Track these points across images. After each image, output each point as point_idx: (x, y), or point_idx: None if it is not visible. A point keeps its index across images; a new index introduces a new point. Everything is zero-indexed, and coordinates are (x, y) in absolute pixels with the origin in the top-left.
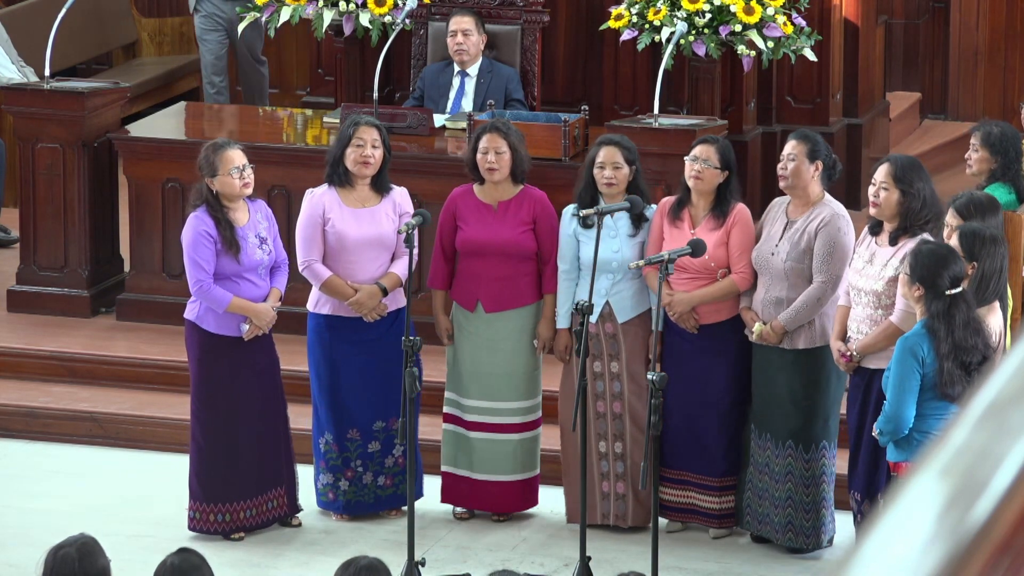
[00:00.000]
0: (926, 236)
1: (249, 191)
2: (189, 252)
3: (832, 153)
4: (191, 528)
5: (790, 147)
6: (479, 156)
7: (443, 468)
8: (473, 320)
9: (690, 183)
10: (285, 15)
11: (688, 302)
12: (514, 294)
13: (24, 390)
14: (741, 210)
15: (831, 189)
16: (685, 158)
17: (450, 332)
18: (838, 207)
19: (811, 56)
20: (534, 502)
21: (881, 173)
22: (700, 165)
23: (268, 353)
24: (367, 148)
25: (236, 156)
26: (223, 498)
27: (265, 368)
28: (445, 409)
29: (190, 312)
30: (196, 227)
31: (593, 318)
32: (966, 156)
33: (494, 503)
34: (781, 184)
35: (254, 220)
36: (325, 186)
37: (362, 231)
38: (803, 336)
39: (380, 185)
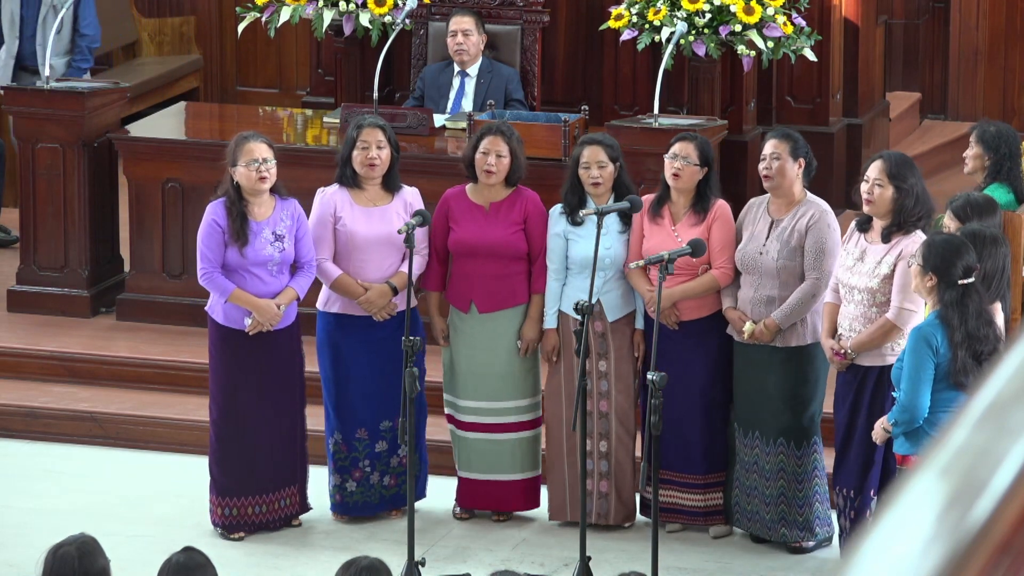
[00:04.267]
0: (919, 232)
1: (265, 186)
2: (199, 240)
3: (810, 151)
4: (213, 522)
5: (772, 146)
6: (479, 156)
7: (460, 473)
8: (468, 321)
9: (669, 180)
10: (285, 15)
11: (669, 298)
12: (508, 294)
13: (24, 390)
14: (722, 206)
15: (811, 186)
16: (664, 156)
17: (446, 333)
18: (823, 204)
19: (811, 56)
20: (537, 502)
21: (875, 170)
22: (680, 162)
23: (289, 351)
24: (372, 150)
25: (256, 149)
26: (233, 492)
27: (283, 366)
28: (445, 411)
29: (208, 303)
30: (208, 216)
31: (582, 316)
32: (964, 155)
33: (498, 502)
34: (766, 184)
35: (276, 217)
36: (336, 185)
37: (373, 230)
38: (794, 334)
39: (390, 184)
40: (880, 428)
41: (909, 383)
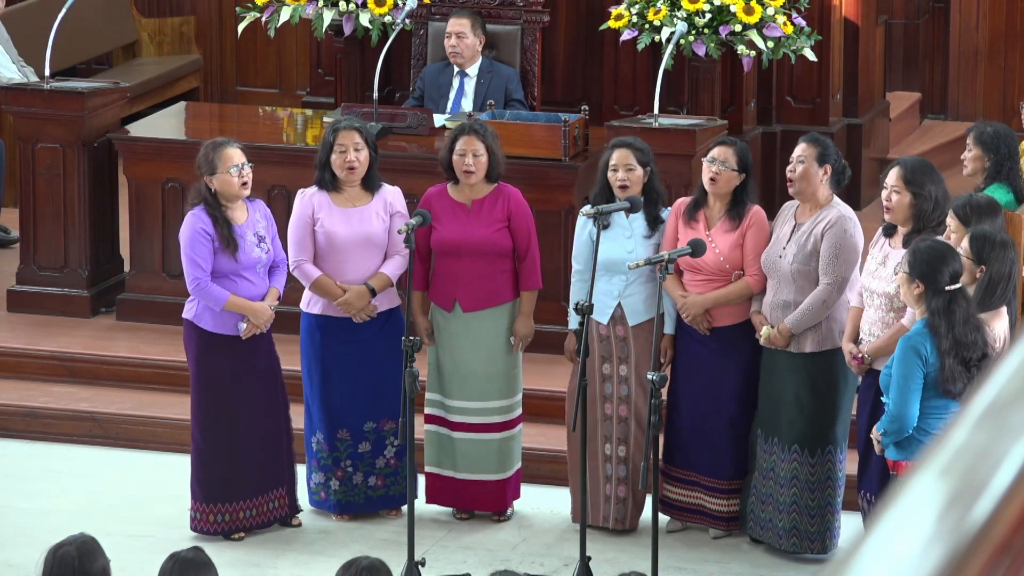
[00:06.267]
0: (940, 238)
1: (247, 191)
2: (186, 250)
3: (842, 158)
4: (193, 528)
5: (800, 150)
6: (456, 158)
7: (427, 469)
8: (451, 320)
9: (707, 184)
10: (285, 15)
11: (702, 304)
12: (491, 293)
13: (24, 390)
14: (757, 212)
15: (839, 191)
16: (703, 159)
17: (429, 332)
18: (845, 209)
19: (811, 56)
20: (516, 497)
21: (892, 177)
22: (717, 167)
23: (268, 353)
24: (349, 153)
25: (235, 154)
26: (223, 498)
27: (266, 368)
28: (427, 410)
29: (188, 311)
30: (193, 225)
31: (604, 320)
32: (961, 157)
33: (477, 502)
34: (789, 187)
35: (252, 219)
36: (315, 187)
37: (352, 231)
38: (810, 339)
39: (370, 184)
40: (874, 440)
41: (898, 393)
